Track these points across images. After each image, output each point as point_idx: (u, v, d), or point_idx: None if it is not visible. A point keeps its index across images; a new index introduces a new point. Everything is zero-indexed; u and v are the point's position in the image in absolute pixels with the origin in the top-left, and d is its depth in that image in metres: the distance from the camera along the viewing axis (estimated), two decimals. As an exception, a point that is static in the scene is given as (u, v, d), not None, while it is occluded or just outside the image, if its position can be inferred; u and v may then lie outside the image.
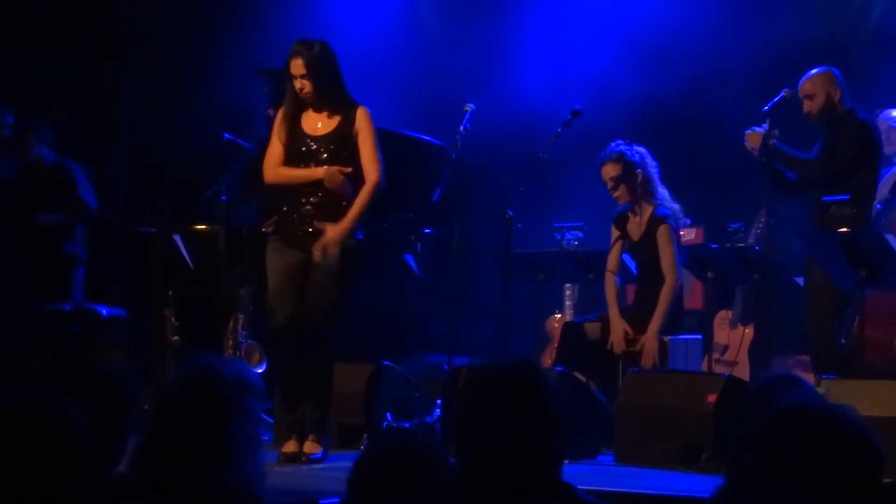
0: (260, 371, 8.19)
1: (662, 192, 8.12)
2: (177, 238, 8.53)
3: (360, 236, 7.14)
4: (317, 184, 7.09)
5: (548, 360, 8.97)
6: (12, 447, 2.86)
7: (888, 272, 7.07)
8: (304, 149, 7.15)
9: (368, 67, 9.29)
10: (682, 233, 8.24)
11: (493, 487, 3.00)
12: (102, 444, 3.18)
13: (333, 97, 7.15)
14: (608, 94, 9.65)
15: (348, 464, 3.20)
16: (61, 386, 3.46)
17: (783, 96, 7.69)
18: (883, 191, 8.03)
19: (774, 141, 7.61)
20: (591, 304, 8.77)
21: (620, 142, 8.10)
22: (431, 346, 9.34)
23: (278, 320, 7.10)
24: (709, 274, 8.17)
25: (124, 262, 9.96)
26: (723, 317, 9.25)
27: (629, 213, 8.13)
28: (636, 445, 7.07)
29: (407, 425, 7.76)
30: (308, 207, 7.11)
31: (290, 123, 7.18)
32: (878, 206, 7.92)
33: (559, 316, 9.73)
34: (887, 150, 8.17)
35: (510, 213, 7.80)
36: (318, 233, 7.08)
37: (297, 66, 7.06)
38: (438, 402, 7.85)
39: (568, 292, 9.76)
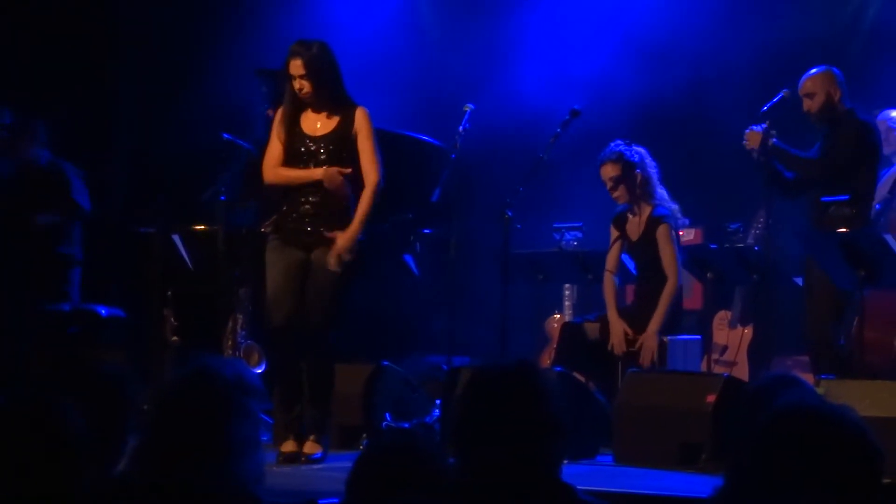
0: (259, 371, 8.19)
1: (661, 192, 8.12)
2: (176, 238, 8.53)
3: (359, 237, 7.14)
4: (316, 184, 7.10)
5: (547, 360, 8.98)
6: (11, 447, 2.86)
7: (887, 272, 7.07)
8: (302, 149, 7.15)
9: (368, 67, 9.29)
10: (680, 233, 8.25)
11: (493, 488, 3.00)
12: (101, 444, 3.18)
13: (332, 97, 7.15)
14: (607, 94, 9.65)
15: (348, 464, 3.20)
16: (60, 386, 3.46)
17: (782, 97, 7.69)
18: (882, 191, 8.03)
19: (774, 140, 7.61)
20: (591, 304, 8.77)
21: (619, 142, 8.10)
22: (430, 347, 9.34)
23: (277, 320, 7.10)
24: (708, 274, 8.17)
25: (123, 263, 9.95)
26: (722, 317, 9.25)
27: (628, 214, 8.13)
28: (635, 446, 7.07)
29: (406, 425, 7.77)
30: (307, 207, 7.12)
31: (289, 124, 7.18)
32: (877, 206, 7.91)
33: (558, 316, 9.74)
34: (886, 150, 8.16)
35: (509, 213, 7.80)
36: (317, 233, 7.08)
37: (296, 66, 7.06)
38: (437, 402, 7.86)
39: (567, 292, 9.76)
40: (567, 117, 7.94)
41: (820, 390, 6.12)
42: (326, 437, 7.20)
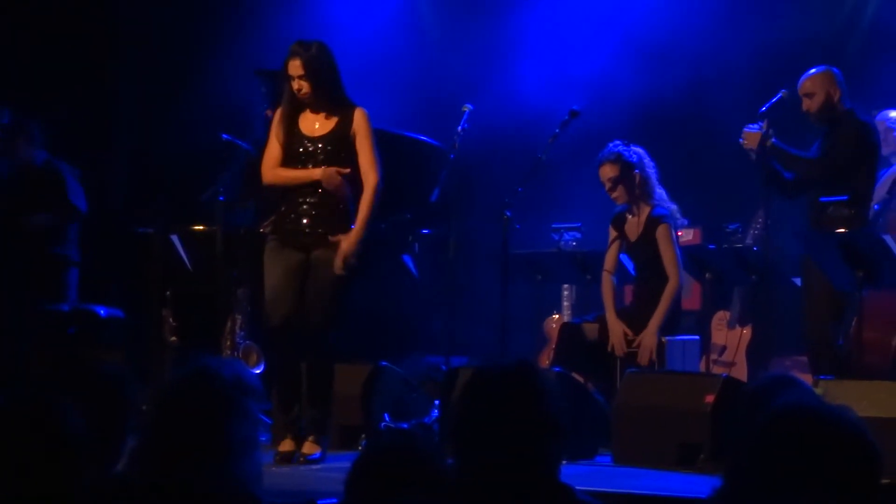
0: (258, 371, 8.19)
1: (660, 192, 8.12)
2: (175, 238, 8.53)
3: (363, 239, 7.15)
4: (315, 184, 7.10)
5: (546, 360, 8.97)
6: (11, 447, 2.86)
7: (886, 273, 7.08)
8: (301, 149, 7.15)
9: (367, 68, 9.29)
10: (679, 233, 8.25)
11: (491, 488, 3.00)
12: (100, 444, 3.18)
13: (331, 98, 7.15)
14: (607, 94, 9.65)
15: (346, 464, 3.20)
16: (60, 386, 3.46)
17: (781, 97, 7.69)
18: (881, 191, 8.03)
19: (773, 139, 7.61)
20: (589, 304, 8.77)
21: (618, 142, 8.10)
22: (429, 347, 9.34)
23: (276, 321, 7.10)
24: (706, 275, 8.18)
25: (122, 263, 9.96)
26: (721, 317, 9.26)
27: (627, 214, 8.13)
28: (634, 446, 7.07)
29: (405, 426, 7.76)
30: (306, 208, 7.12)
31: (288, 124, 7.18)
32: (875, 206, 7.91)
33: (557, 316, 9.74)
34: (885, 150, 8.17)
35: (508, 213, 7.81)
36: (316, 234, 7.09)
37: (295, 66, 7.06)
38: (436, 402, 7.86)
39: (566, 293, 9.76)
40: (566, 117, 7.94)
41: (818, 391, 6.12)
42: (325, 438, 7.20)
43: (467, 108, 7.90)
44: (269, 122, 7.45)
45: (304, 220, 7.11)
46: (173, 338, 8.56)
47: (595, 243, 8.77)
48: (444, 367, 8.02)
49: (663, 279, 7.94)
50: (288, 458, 7.03)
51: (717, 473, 2.99)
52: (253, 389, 3.20)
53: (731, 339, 9.16)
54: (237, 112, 9.42)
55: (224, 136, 8.34)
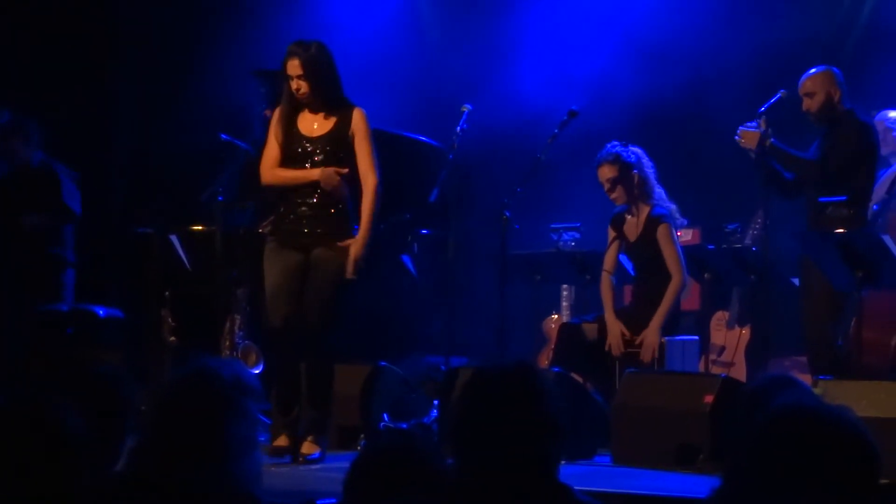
0: (257, 372, 8.19)
1: (659, 191, 8.12)
2: (174, 239, 8.53)
3: (356, 235, 7.14)
4: (313, 185, 7.10)
5: (545, 360, 8.97)
6: (10, 447, 2.86)
7: (885, 273, 7.07)
8: (300, 150, 7.14)
9: (367, 68, 9.30)
10: (678, 233, 8.25)
11: (491, 488, 3.00)
12: (99, 444, 3.18)
13: (330, 98, 7.15)
14: (606, 94, 9.66)
15: (345, 464, 3.20)
16: (58, 386, 3.46)
17: (780, 97, 7.69)
18: (880, 192, 8.04)
19: (772, 139, 7.61)
20: (588, 305, 8.77)
21: (616, 143, 8.10)
22: (428, 347, 9.34)
23: (275, 321, 7.10)
24: (705, 275, 8.18)
25: (121, 263, 9.96)
26: (720, 318, 9.26)
27: (626, 214, 8.13)
28: (633, 446, 7.07)
29: (404, 426, 7.77)
30: (304, 209, 7.12)
31: (287, 124, 7.18)
32: (874, 206, 7.92)
33: (556, 317, 9.74)
34: (884, 150, 8.17)
35: (507, 213, 7.81)
36: (315, 234, 7.09)
37: (294, 66, 7.06)
38: (435, 402, 7.86)
39: (565, 293, 9.76)
40: (565, 118, 7.94)
41: (818, 391, 6.12)
42: (324, 438, 7.20)
43: (466, 108, 7.90)
44: (268, 122, 7.45)
45: (303, 221, 7.11)
46: (172, 338, 8.56)
47: (594, 243, 8.77)
48: (443, 368, 8.02)
49: (662, 279, 7.94)
50: (279, 452, 7.02)
51: (716, 473, 2.99)
52: (252, 389, 3.20)
53: (730, 339, 9.16)
54: (236, 112, 9.42)
55: (223, 136, 8.34)
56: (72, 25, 10.56)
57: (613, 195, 8.06)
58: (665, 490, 6.17)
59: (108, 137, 10.96)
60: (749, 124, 7.63)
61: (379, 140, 7.30)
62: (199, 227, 8.56)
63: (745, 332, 9.08)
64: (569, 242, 9.38)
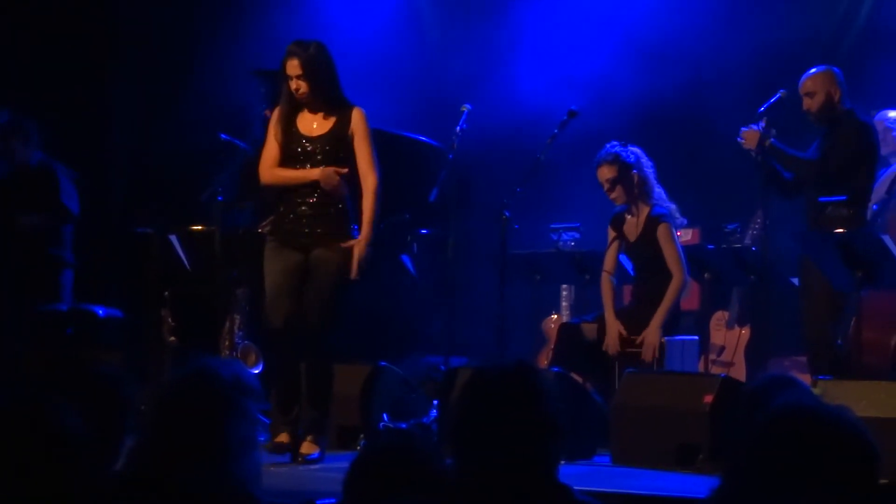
0: (256, 372, 8.19)
1: (659, 191, 8.13)
2: (173, 239, 8.53)
3: (356, 235, 7.14)
4: (313, 185, 7.09)
5: (544, 360, 8.97)
6: (10, 447, 2.86)
7: (884, 273, 7.07)
8: (299, 149, 7.14)
9: (366, 68, 9.30)
10: (678, 233, 8.25)
11: (490, 488, 3.00)
12: (99, 444, 3.18)
13: (329, 98, 7.14)
14: (606, 94, 9.65)
15: (345, 464, 3.20)
16: (58, 386, 3.46)
17: (779, 97, 7.69)
18: (879, 192, 8.04)
19: (772, 139, 7.62)
20: (588, 304, 8.77)
21: (615, 143, 8.10)
22: (428, 347, 9.35)
23: (275, 322, 7.09)
24: (705, 275, 8.18)
25: (121, 263, 9.96)
26: (719, 318, 9.26)
27: (626, 214, 8.14)
28: (633, 446, 7.07)
29: (403, 426, 7.77)
30: (304, 209, 7.11)
31: (286, 124, 7.18)
32: (874, 207, 7.92)
33: (555, 317, 9.74)
34: (883, 150, 8.17)
35: (507, 213, 7.81)
36: (315, 234, 7.08)
37: (293, 66, 7.06)
38: (435, 402, 7.86)
39: (564, 293, 9.77)
40: (565, 118, 7.94)
41: (817, 391, 6.12)
42: (324, 438, 7.20)
43: (466, 108, 7.90)
44: (267, 122, 7.44)
45: (303, 221, 7.10)
46: (172, 338, 8.56)
47: (593, 243, 8.78)
48: (442, 368, 8.02)
49: (662, 279, 7.94)
50: (279, 449, 7.01)
51: (716, 473, 2.99)
52: (251, 390, 3.20)
53: (729, 339, 9.17)
54: (236, 112, 9.42)
55: (222, 136, 8.34)
56: (72, 25, 10.56)
57: (613, 195, 8.06)
58: (664, 490, 6.17)
59: (107, 137, 10.95)
60: (752, 126, 7.64)
61: (378, 140, 7.29)
62: (199, 227, 8.56)
63: (745, 331, 9.08)
64: (568, 242, 9.39)
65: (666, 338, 7.93)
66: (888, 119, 8.53)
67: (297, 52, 7.05)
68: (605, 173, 8.04)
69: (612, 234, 8.18)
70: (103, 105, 10.91)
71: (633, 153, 8.06)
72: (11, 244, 9.14)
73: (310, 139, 7.14)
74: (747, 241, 8.94)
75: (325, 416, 7.17)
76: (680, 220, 8.22)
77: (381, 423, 7.80)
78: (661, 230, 7.98)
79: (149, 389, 7.48)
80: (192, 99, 10.14)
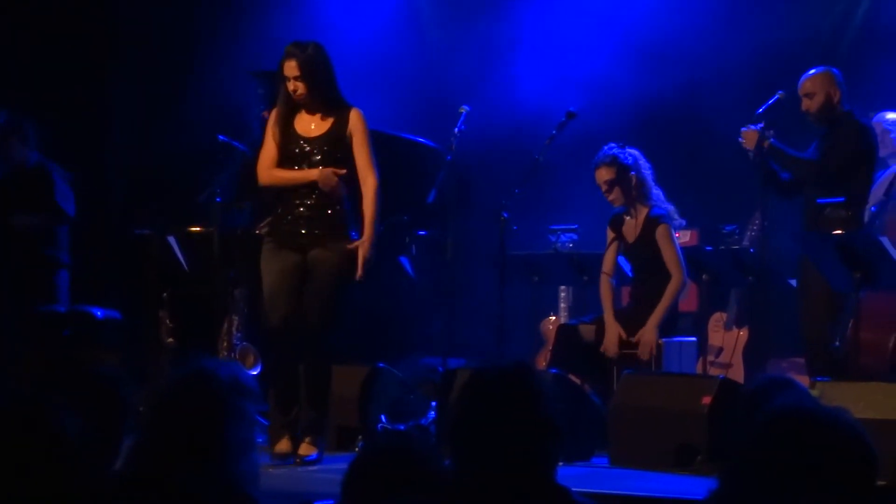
0: (254, 373, 8.19)
1: (657, 192, 8.13)
2: (171, 240, 8.52)
3: (354, 237, 7.14)
4: (311, 185, 7.09)
5: (542, 362, 8.97)
6: (9, 448, 2.86)
7: (883, 274, 7.08)
8: (297, 150, 7.14)
9: (365, 69, 9.30)
10: (676, 234, 8.25)
11: (488, 489, 3.00)
12: (97, 445, 3.18)
13: (327, 99, 7.15)
14: (605, 95, 9.65)
15: (343, 466, 3.20)
16: (56, 387, 3.46)
17: (778, 98, 7.70)
18: (878, 193, 8.04)
19: (771, 140, 7.62)
20: (586, 306, 8.77)
21: (613, 145, 8.11)
22: (427, 348, 9.34)
23: (274, 323, 7.09)
24: (703, 276, 8.18)
25: (119, 264, 9.95)
26: (717, 319, 9.26)
27: (624, 216, 8.14)
28: (631, 447, 7.07)
29: (402, 427, 7.76)
30: (302, 210, 7.11)
31: (284, 125, 7.17)
32: (872, 208, 7.92)
33: (554, 318, 9.74)
34: (882, 152, 8.18)
35: (505, 215, 7.80)
36: (313, 235, 7.08)
37: (291, 67, 7.06)
38: (433, 403, 7.86)
39: (563, 294, 9.77)
40: (562, 119, 7.94)
41: (815, 392, 6.12)
42: (322, 439, 7.20)
43: (464, 109, 7.89)
44: (265, 123, 7.44)
45: (301, 222, 7.10)
46: (170, 339, 8.56)
47: (592, 245, 8.78)
48: (441, 369, 8.01)
49: (661, 280, 7.94)
50: (283, 458, 7.03)
51: (714, 475, 2.99)
52: (250, 391, 3.20)
53: (727, 340, 9.16)
54: (234, 113, 9.42)
55: (221, 137, 8.34)
56: (72, 25, 10.56)
57: (611, 197, 8.06)
58: (663, 491, 6.17)
59: (107, 137, 10.95)
60: (752, 126, 7.65)
61: (377, 141, 7.30)
62: (197, 228, 8.56)
63: (743, 333, 9.08)
64: (567, 244, 9.39)
65: (664, 339, 7.93)
66: (886, 121, 8.54)
67: (295, 53, 7.05)
68: (604, 175, 8.04)
69: (610, 235, 8.19)
70: (103, 105, 10.91)
71: (631, 155, 8.06)
72: (6, 245, 9.13)
73: (308, 140, 7.14)
74: (745, 242, 8.94)
75: (323, 417, 7.17)
76: (678, 221, 8.23)
77: (380, 425, 7.80)
78: (660, 231, 7.98)
79: (147, 390, 7.48)
80: (192, 99, 10.14)
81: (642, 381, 7.43)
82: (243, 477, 3.12)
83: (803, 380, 6.53)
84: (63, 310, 9.11)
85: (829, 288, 7.43)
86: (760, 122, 7.62)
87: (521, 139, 9.38)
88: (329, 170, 7.07)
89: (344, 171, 7.10)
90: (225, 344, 8.39)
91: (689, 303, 9.06)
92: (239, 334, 8.46)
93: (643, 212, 8.07)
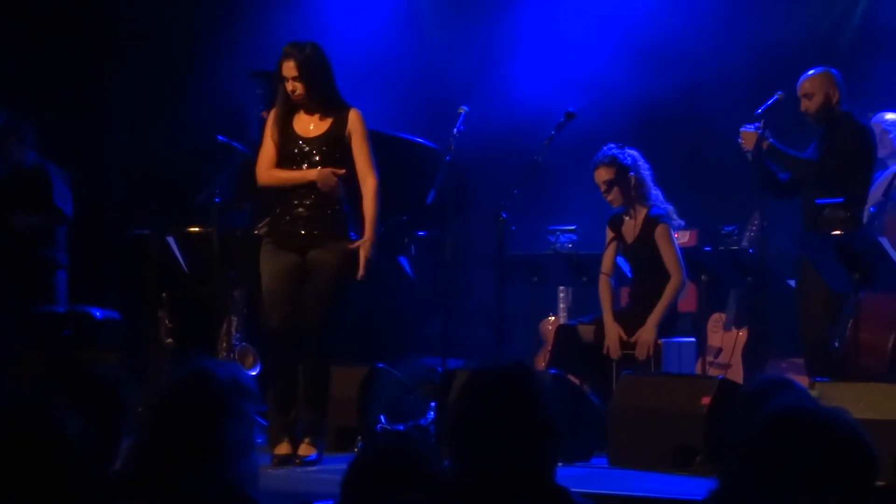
0: (254, 374, 8.19)
1: (656, 193, 8.13)
2: (170, 240, 8.52)
3: (353, 237, 7.15)
4: (310, 186, 7.09)
5: (542, 362, 8.97)
6: (8, 448, 2.86)
7: (882, 275, 7.08)
8: (296, 150, 7.14)
9: (364, 69, 9.29)
10: (675, 235, 8.25)
11: (487, 490, 3.00)
12: (97, 445, 3.18)
13: (325, 99, 7.14)
14: (604, 96, 9.65)
15: (343, 466, 3.20)
16: (56, 388, 3.46)
17: (777, 99, 7.70)
18: (877, 194, 8.04)
19: (770, 140, 7.62)
20: (585, 306, 8.77)
21: (613, 145, 8.11)
22: (426, 349, 9.34)
23: (273, 323, 7.09)
24: (702, 276, 8.18)
25: (118, 265, 9.95)
26: (716, 319, 9.26)
27: (623, 216, 8.14)
28: (630, 448, 7.06)
29: (401, 428, 7.76)
30: (301, 210, 7.11)
31: (282, 125, 7.17)
32: (871, 209, 7.93)
33: (553, 318, 9.74)
34: (880, 153, 8.18)
35: (504, 215, 7.80)
36: (312, 235, 7.08)
37: (289, 68, 7.06)
38: (432, 404, 7.86)
39: (562, 295, 9.77)
40: (562, 119, 7.94)
41: (814, 393, 6.12)
42: (322, 440, 7.20)
43: (463, 109, 7.89)
44: (264, 123, 7.44)
45: (300, 222, 7.10)
46: (169, 340, 8.55)
47: (591, 245, 8.78)
48: (440, 369, 8.01)
49: (660, 280, 7.94)
50: (285, 461, 7.03)
51: (713, 475, 2.99)
52: (249, 391, 3.20)
53: (726, 341, 9.16)
54: (233, 113, 9.42)
55: (220, 137, 8.34)
56: (71, 25, 10.56)
57: (610, 197, 8.06)
58: (662, 492, 6.16)
59: (107, 137, 10.95)
60: (749, 126, 7.65)
61: (376, 142, 7.30)
62: (196, 229, 8.56)
63: (742, 333, 9.08)
64: (566, 244, 9.39)
65: (663, 339, 7.93)
66: (885, 121, 8.54)
67: (293, 53, 7.05)
68: (603, 175, 8.04)
69: (609, 235, 8.18)
70: (103, 105, 10.90)
71: (630, 155, 8.06)
72: (4, 245, 9.12)
73: (306, 140, 7.14)
74: (744, 242, 8.94)
75: (322, 418, 7.17)
76: (677, 221, 8.23)
77: (379, 425, 7.80)
78: (659, 231, 7.98)
79: (146, 391, 7.48)
80: (190, 100, 10.14)
81: (641, 382, 7.43)
82: (242, 477, 3.12)
83: (802, 380, 6.53)
84: (62, 310, 9.11)
85: (828, 288, 7.43)
86: (758, 122, 7.62)
87: (520, 140, 9.38)
88: (328, 170, 7.07)
89: (343, 172, 7.10)
90: (224, 344, 8.39)
91: (688, 303, 9.06)
92: (238, 335, 8.46)
93: (642, 212, 8.07)
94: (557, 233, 9.48)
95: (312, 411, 7.12)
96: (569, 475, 5.35)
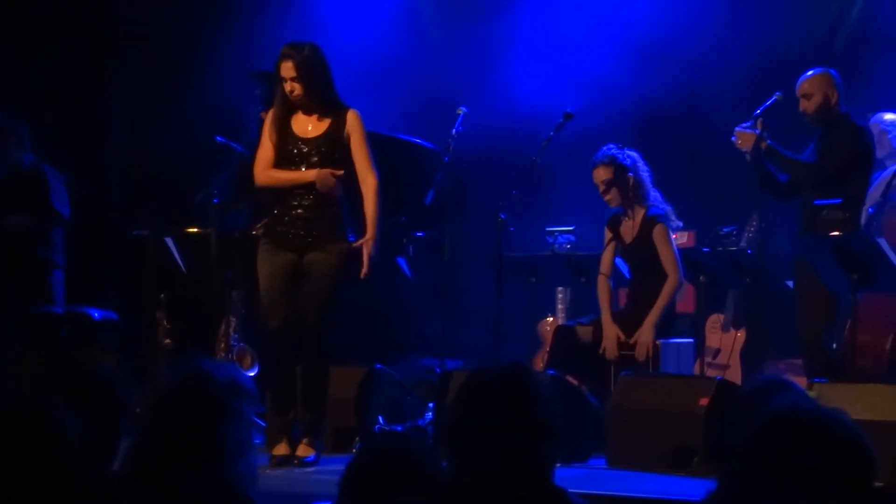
0: (252, 374, 8.19)
1: (654, 194, 8.13)
2: (169, 241, 8.52)
3: (351, 238, 7.15)
4: (308, 186, 7.09)
5: (540, 363, 8.98)
6: (8, 448, 2.86)
7: (880, 276, 7.08)
8: (294, 151, 7.14)
9: (363, 70, 9.29)
10: (674, 236, 8.25)
11: (485, 491, 3.00)
12: (96, 446, 3.18)
13: (324, 100, 7.14)
14: (603, 96, 9.65)
15: (341, 467, 3.20)
16: (55, 388, 3.46)
17: (775, 100, 7.70)
18: (875, 194, 8.04)
19: (768, 141, 7.63)
20: (583, 307, 8.77)
21: (612, 146, 8.11)
22: (424, 350, 9.34)
23: (271, 323, 7.09)
24: (700, 277, 8.18)
25: (117, 265, 9.95)
26: (715, 320, 9.26)
27: (622, 216, 8.14)
28: (628, 449, 7.07)
29: (399, 428, 7.76)
30: (299, 211, 7.11)
31: (281, 126, 7.17)
32: (869, 210, 7.93)
33: (551, 319, 9.74)
34: (879, 154, 8.18)
35: (502, 216, 7.80)
36: (311, 236, 7.08)
37: (288, 68, 7.06)
38: (431, 405, 7.86)
39: (560, 296, 9.77)
40: (560, 120, 7.94)
41: (812, 394, 6.13)
42: (320, 440, 7.20)
43: (462, 110, 7.90)
44: (262, 123, 7.44)
45: (298, 223, 7.10)
46: (167, 340, 8.56)
47: (589, 246, 8.78)
48: (438, 370, 8.02)
49: (658, 280, 7.94)
50: (283, 462, 7.03)
51: (711, 476, 2.99)
52: (247, 392, 3.20)
53: (725, 341, 9.17)
54: (232, 114, 9.42)
55: (218, 138, 8.34)
56: (72, 25, 10.56)
57: (608, 197, 8.06)
58: (660, 493, 6.17)
59: (106, 138, 10.94)
60: (745, 125, 7.65)
61: (374, 142, 7.30)
62: (195, 230, 8.56)
63: (741, 334, 9.08)
64: (564, 245, 9.39)
65: (661, 340, 7.93)
66: (884, 122, 8.54)
67: (291, 54, 7.05)
68: (601, 175, 8.04)
69: (608, 235, 8.18)
70: (103, 105, 10.90)
71: (629, 156, 8.06)
72: (1, 246, 9.11)
73: (305, 141, 7.14)
74: (743, 243, 8.94)
75: (321, 419, 7.17)
76: (676, 222, 8.23)
77: (377, 426, 7.79)
78: (658, 231, 7.98)
79: (145, 392, 7.47)
80: (189, 100, 10.14)
81: (640, 383, 7.43)
82: (241, 478, 3.12)
83: (800, 381, 6.52)
84: (60, 311, 9.10)
85: (827, 290, 7.44)
86: (752, 122, 7.62)
87: (519, 140, 9.38)
88: (326, 171, 7.07)
89: (341, 172, 7.10)
90: (222, 345, 8.39)
91: (686, 304, 9.06)
92: (236, 335, 8.46)
93: (640, 212, 8.07)
94: (556, 233, 9.48)
95: (311, 412, 7.12)
96: (567, 476, 5.34)
